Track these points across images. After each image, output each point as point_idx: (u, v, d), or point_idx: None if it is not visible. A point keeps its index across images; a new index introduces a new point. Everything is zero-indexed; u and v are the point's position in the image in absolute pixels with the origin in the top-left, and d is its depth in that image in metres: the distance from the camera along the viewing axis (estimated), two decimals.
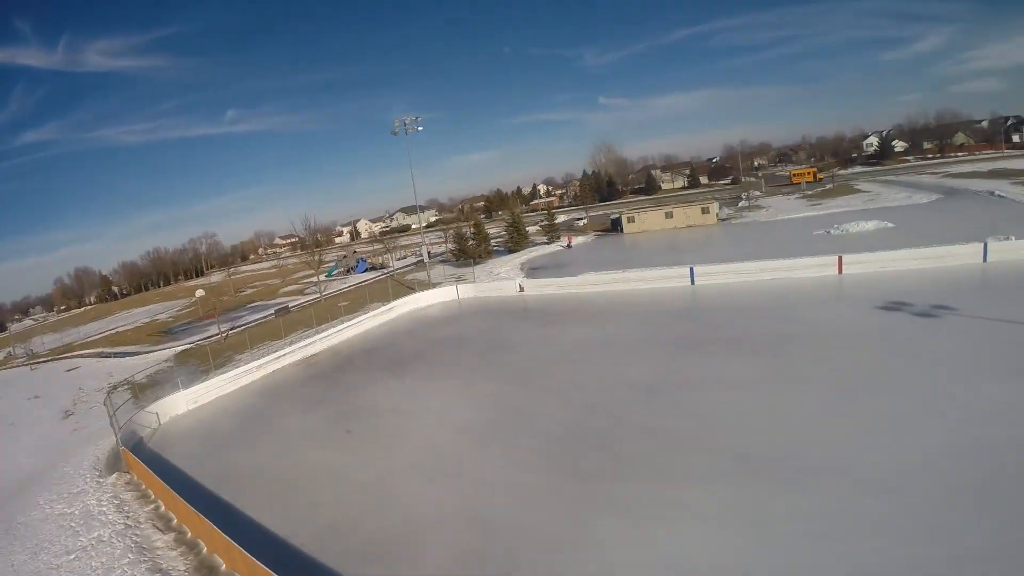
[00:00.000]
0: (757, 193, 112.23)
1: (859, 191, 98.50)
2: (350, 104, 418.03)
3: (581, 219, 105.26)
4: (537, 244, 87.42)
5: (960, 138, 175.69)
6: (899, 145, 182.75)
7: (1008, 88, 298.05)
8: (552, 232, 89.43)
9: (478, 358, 36.98)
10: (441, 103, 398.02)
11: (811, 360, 27.20)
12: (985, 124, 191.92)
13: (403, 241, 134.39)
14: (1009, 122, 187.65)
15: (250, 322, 68.88)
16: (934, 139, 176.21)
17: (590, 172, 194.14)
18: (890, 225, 60.30)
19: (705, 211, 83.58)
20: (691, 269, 46.29)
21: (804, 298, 38.26)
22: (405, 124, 63.77)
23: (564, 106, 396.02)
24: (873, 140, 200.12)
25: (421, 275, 74.36)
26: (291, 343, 47.23)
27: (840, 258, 43.01)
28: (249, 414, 34.13)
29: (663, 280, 47.91)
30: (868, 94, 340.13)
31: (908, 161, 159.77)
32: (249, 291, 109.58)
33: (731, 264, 46.67)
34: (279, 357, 43.67)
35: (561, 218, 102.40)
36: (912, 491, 16.38)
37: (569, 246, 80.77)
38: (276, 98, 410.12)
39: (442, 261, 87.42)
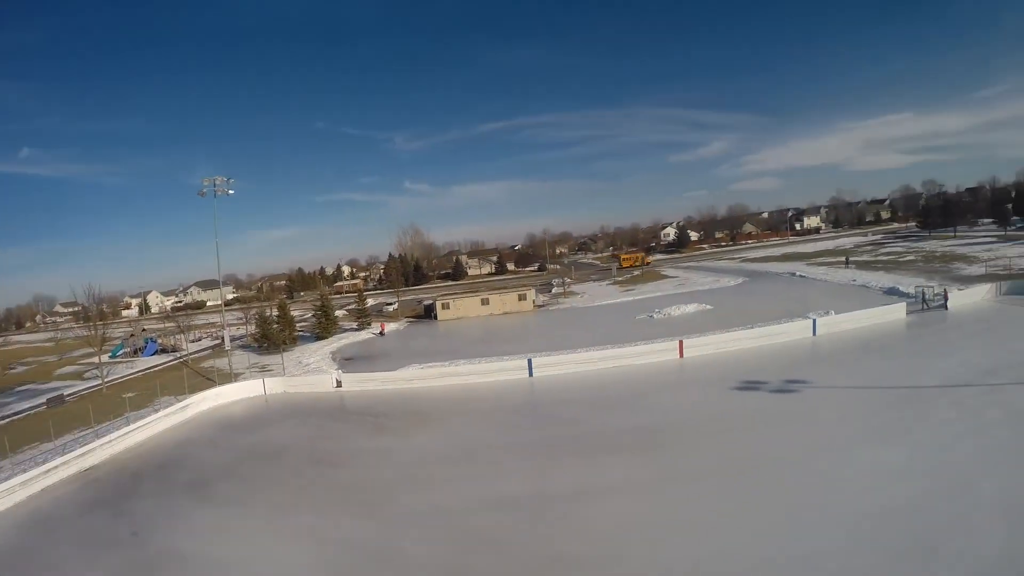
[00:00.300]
0: (567, 280, 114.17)
1: (667, 276, 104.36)
2: (149, 160, 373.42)
3: (391, 304, 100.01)
4: (347, 330, 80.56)
5: (748, 227, 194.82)
6: (693, 234, 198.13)
7: (781, 186, 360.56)
8: (363, 317, 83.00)
9: (302, 477, 28.19)
10: (243, 173, 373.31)
11: (688, 452, 24.68)
12: (766, 215, 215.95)
13: (198, 320, 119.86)
14: (791, 213, 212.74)
15: (14, 413, 55.13)
16: (725, 229, 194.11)
17: (396, 255, 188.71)
18: (709, 307, 62.72)
19: (522, 298, 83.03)
20: (529, 360, 42.60)
21: (653, 385, 36.65)
22: (215, 184, 56.19)
23: (370, 187, 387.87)
24: (670, 230, 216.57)
25: (221, 362, 63.83)
26: (64, 449, 35.77)
27: (681, 342, 42.60)
28: (6, 563, 23.27)
29: (499, 373, 43.40)
30: (660, 189, 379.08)
31: (704, 248, 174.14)
32: (20, 368, 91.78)
33: (570, 353, 44.39)
34: (48, 470, 31.95)
35: (369, 302, 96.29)
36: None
37: (382, 333, 75.37)
38: (75, 141, 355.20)
39: (242, 346, 77.00)
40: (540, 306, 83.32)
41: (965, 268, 73.59)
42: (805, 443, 23.74)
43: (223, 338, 65.64)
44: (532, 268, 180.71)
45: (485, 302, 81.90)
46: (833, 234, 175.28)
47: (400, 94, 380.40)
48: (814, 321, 45.25)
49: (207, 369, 62.14)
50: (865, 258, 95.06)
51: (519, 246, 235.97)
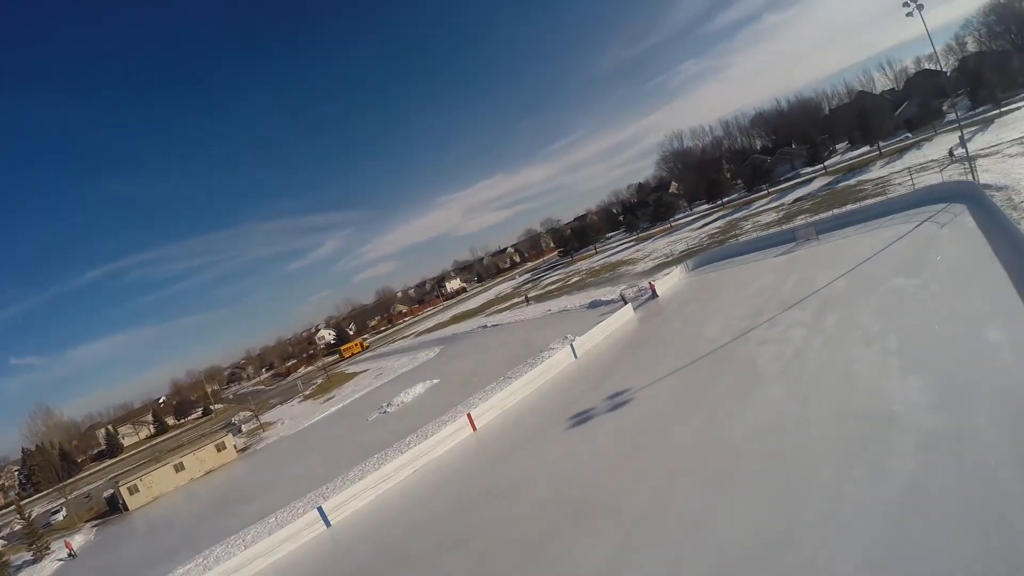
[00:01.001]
0: (248, 413, 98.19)
1: (356, 373, 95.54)
2: None
3: (56, 511, 72.95)
4: (21, 566, 53.44)
5: (399, 307, 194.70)
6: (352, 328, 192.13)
7: (401, 266, 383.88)
8: (36, 541, 53.27)
9: None
10: None
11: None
12: (412, 291, 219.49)
13: None
14: (428, 285, 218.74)
15: None
16: (376, 315, 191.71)
17: (33, 448, 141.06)
18: (436, 381, 56.83)
19: (221, 447, 66.56)
20: (319, 509, 29.26)
21: (463, 475, 28.94)
22: None
23: None
24: (325, 332, 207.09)
25: None
26: None
27: (469, 415, 35.60)
28: None
29: (289, 542, 28.31)
30: (288, 300, 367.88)
31: (367, 339, 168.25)
32: None
33: (357, 483, 31.70)
34: None
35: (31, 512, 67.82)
36: None
37: (72, 554, 51.84)
38: None
39: None
40: (243, 450, 68.60)
41: (632, 268, 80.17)
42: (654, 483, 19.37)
43: None
44: (196, 415, 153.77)
45: (180, 467, 63.35)
46: (480, 287, 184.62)
47: None
48: (572, 345, 44.20)
49: None
50: (537, 292, 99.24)
51: (163, 398, 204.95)
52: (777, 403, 22.88)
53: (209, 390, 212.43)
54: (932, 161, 64.04)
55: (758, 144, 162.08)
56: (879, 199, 53.00)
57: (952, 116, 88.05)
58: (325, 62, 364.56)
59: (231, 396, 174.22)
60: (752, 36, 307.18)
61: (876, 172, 75.50)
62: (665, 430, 24.58)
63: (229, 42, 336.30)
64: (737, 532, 15.83)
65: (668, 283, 55.20)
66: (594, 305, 62.63)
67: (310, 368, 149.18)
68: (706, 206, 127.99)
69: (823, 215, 56.50)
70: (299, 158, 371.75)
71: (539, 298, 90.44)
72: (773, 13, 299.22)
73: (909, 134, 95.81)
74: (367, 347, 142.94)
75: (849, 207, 54.64)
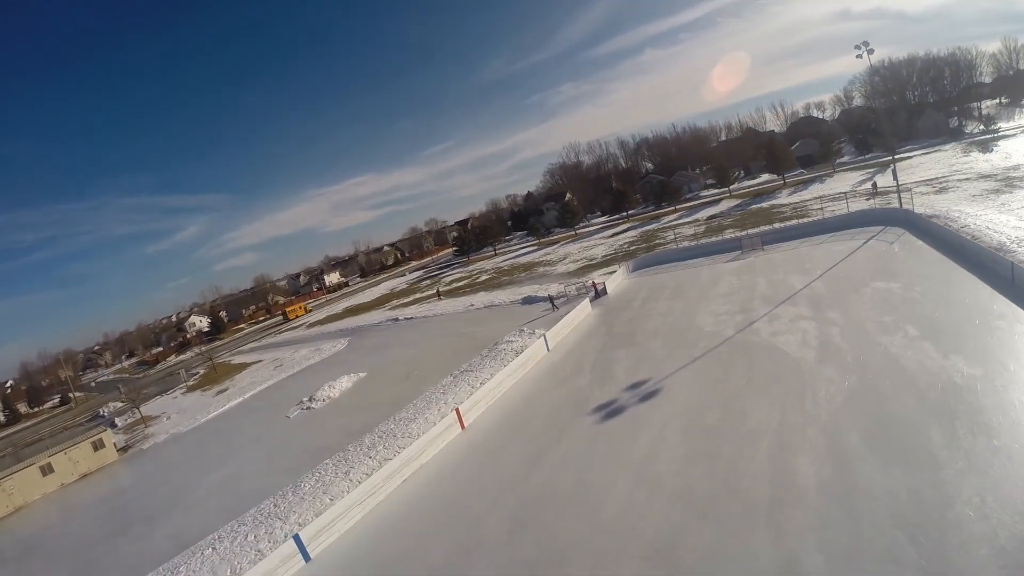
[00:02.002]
0: (120, 405, 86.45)
1: (245, 364, 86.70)
2: None
3: None
4: None
5: (277, 297, 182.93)
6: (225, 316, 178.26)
7: (263, 257, 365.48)
8: None
9: None
10: None
11: None
12: (285, 283, 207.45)
13: None
14: (301, 277, 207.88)
15: None
16: (251, 304, 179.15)
17: None
18: (363, 374, 51.67)
19: (99, 446, 56.60)
20: (296, 537, 21.99)
21: (468, 486, 24.21)
22: None
23: None
24: (196, 319, 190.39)
25: None
26: None
27: (458, 410, 31.34)
28: None
29: None
30: (145, 285, 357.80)
31: (243, 329, 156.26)
32: None
33: (333, 506, 24.54)
34: None
35: None
36: None
37: None
38: None
39: None
40: (124, 449, 58.24)
41: (551, 268, 78.37)
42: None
43: None
44: (53, 403, 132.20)
45: (48, 470, 52.53)
46: (364, 283, 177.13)
47: None
48: (545, 337, 42.02)
49: None
50: (444, 288, 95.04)
51: (10, 382, 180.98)
52: (836, 381, 23.39)
53: (65, 375, 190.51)
54: (840, 193, 69.19)
55: (649, 165, 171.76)
56: (813, 219, 56.60)
57: (845, 158, 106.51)
58: (196, 36, 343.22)
59: (92, 384, 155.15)
60: (633, 67, 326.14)
61: (785, 199, 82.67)
62: (736, 414, 23.32)
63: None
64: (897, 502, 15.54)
65: (614, 282, 55.11)
66: (529, 301, 60.11)
67: (183, 356, 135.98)
68: (603, 218, 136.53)
69: (760, 229, 58.98)
70: (162, 132, 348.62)
71: (449, 294, 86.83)
72: (655, 48, 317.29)
73: (803, 170, 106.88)
74: (310, 311, 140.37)
75: (790, 223, 58.26)
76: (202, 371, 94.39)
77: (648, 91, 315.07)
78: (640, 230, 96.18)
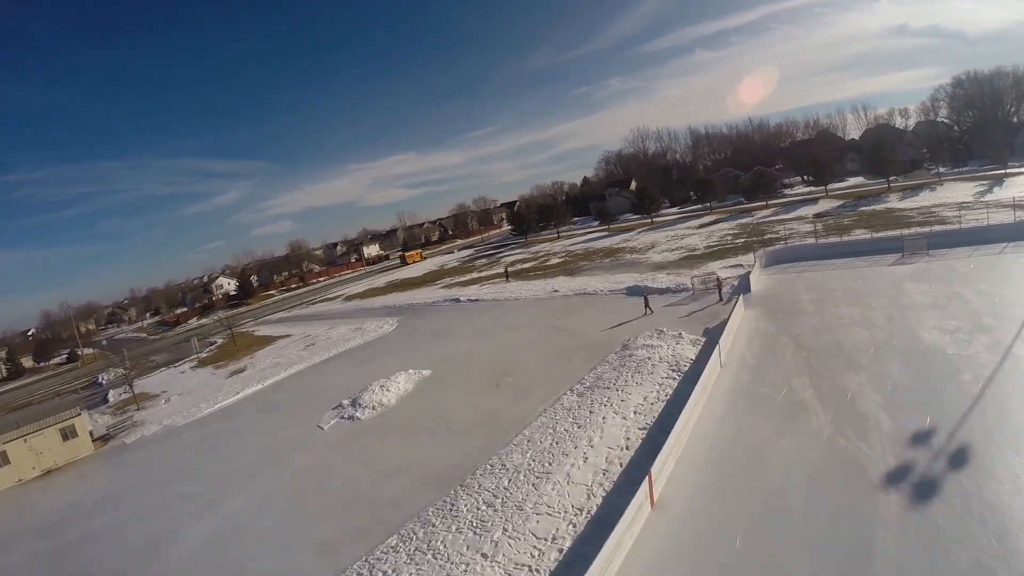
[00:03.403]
0: (120, 371, 72.19)
1: (275, 337, 71.54)
2: None
3: None
4: None
5: (312, 265, 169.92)
6: (256, 280, 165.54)
7: (298, 227, 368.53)
8: None
9: None
10: None
11: None
12: (321, 253, 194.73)
13: None
14: (338, 247, 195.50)
15: None
16: (285, 270, 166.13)
17: None
18: (425, 373, 36.91)
19: (69, 434, 41.34)
20: None
21: None
22: None
23: None
24: (224, 281, 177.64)
25: None
26: None
27: (650, 475, 16.60)
28: None
29: None
30: (181, 245, 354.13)
31: (273, 295, 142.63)
32: None
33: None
34: None
35: None
36: None
37: None
38: None
39: None
40: (105, 440, 43.54)
41: (640, 256, 64.75)
42: None
43: None
44: (60, 360, 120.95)
45: (3, 460, 39.47)
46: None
47: None
48: (719, 348, 27.52)
49: None
50: (519, 267, 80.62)
51: (32, 331, 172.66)
52: None
53: (85, 329, 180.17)
54: (963, 203, 60.29)
55: (707, 160, 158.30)
56: (967, 227, 46.36)
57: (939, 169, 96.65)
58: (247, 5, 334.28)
59: (104, 341, 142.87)
60: (682, 66, 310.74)
61: (900, 203, 71.91)
62: None
63: None
64: None
65: (754, 279, 41.88)
66: (636, 292, 45.54)
67: (204, 320, 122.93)
68: (674, 208, 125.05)
69: (914, 231, 47.70)
70: (208, 97, 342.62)
71: (516, 275, 72.12)
72: (706, 49, 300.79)
73: (898, 176, 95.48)
74: (424, 258, 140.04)
75: (941, 228, 48.51)
76: (220, 341, 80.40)
77: (696, 91, 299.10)
78: (735, 222, 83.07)
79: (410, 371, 37.04)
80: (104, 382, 69.92)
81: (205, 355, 71.75)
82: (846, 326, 29.04)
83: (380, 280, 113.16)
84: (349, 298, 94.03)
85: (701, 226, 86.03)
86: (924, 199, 72.01)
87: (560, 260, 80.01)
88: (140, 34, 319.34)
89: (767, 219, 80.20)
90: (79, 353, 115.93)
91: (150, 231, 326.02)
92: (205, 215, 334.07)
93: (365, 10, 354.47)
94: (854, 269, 41.54)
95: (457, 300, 62.34)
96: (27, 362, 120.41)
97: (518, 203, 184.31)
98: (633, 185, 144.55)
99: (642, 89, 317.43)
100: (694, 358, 28.99)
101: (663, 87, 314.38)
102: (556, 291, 54.62)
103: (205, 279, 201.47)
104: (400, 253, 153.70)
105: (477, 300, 59.79)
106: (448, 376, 35.49)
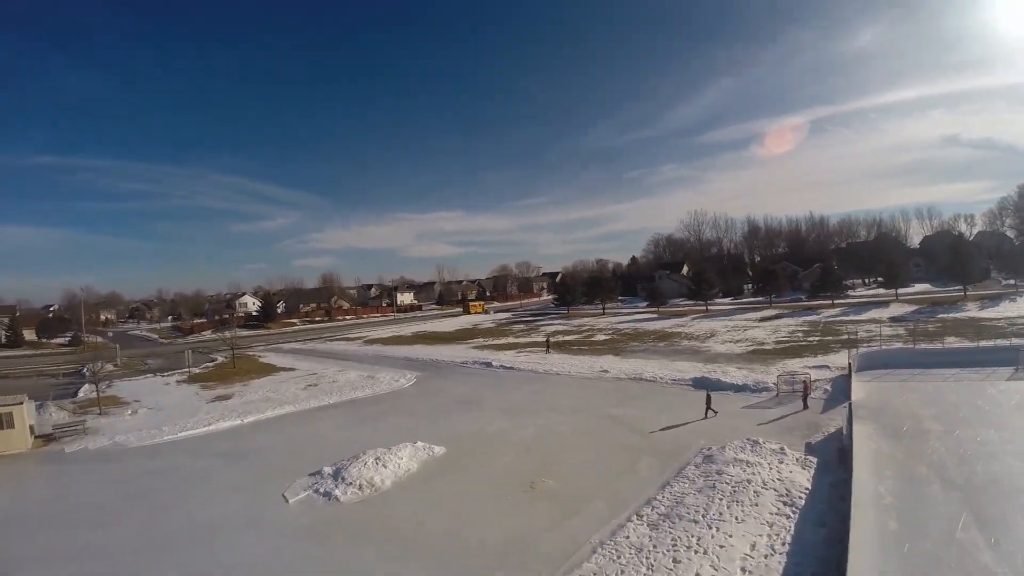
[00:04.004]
0: (110, 367, 64.99)
1: (279, 368, 63.36)
2: None
3: None
4: None
5: (341, 302, 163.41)
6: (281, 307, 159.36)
7: (336, 264, 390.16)
8: None
9: None
10: None
11: None
12: (355, 293, 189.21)
13: None
14: (373, 289, 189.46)
15: None
16: (313, 301, 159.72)
17: None
18: (439, 451, 28.18)
19: (5, 423, 34.29)
20: None
21: None
22: None
23: None
24: (249, 299, 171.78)
25: None
26: None
27: None
28: None
29: None
30: (223, 258, 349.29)
31: (295, 324, 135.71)
32: None
33: None
34: None
35: None
36: None
37: None
38: None
39: None
40: (48, 439, 35.93)
41: (700, 344, 56.15)
42: None
43: None
44: (63, 340, 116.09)
45: None
46: (439, 310, 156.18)
47: None
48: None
49: None
50: (561, 339, 72.36)
51: (55, 306, 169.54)
52: None
53: (105, 318, 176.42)
54: None
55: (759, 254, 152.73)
56: None
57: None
58: (326, 54, 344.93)
59: (110, 333, 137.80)
60: (735, 160, 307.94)
61: (980, 312, 67.09)
62: None
63: None
64: None
65: (854, 386, 31.88)
66: (703, 385, 37.28)
67: (214, 335, 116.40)
68: (727, 298, 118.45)
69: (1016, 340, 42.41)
70: (272, 124, 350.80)
71: (557, 347, 63.70)
72: (759, 145, 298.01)
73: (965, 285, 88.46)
74: (486, 311, 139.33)
75: None
76: (220, 359, 72.71)
77: (748, 185, 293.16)
78: (800, 319, 76.67)
79: (419, 444, 28.45)
80: (87, 374, 62.52)
81: (198, 371, 63.90)
82: (996, 455, 19.81)
83: (408, 329, 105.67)
84: (370, 342, 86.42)
85: (763, 319, 78.65)
86: (1007, 309, 67.68)
87: (607, 337, 71.66)
88: (226, 56, 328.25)
89: (836, 318, 73.46)
90: (82, 338, 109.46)
91: (198, 240, 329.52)
92: (252, 236, 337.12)
93: (434, 70, 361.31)
94: (966, 381, 33.81)
95: (489, 364, 53.93)
96: (29, 335, 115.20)
97: (561, 274, 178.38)
98: (685, 270, 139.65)
99: (695, 179, 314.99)
100: (809, 487, 20.42)
101: (716, 178, 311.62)
102: (605, 371, 46.01)
103: (232, 296, 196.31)
104: (465, 301, 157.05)
105: (512, 368, 51.23)
106: (468, 461, 26.81)
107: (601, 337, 72.64)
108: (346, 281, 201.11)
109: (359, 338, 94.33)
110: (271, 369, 62.54)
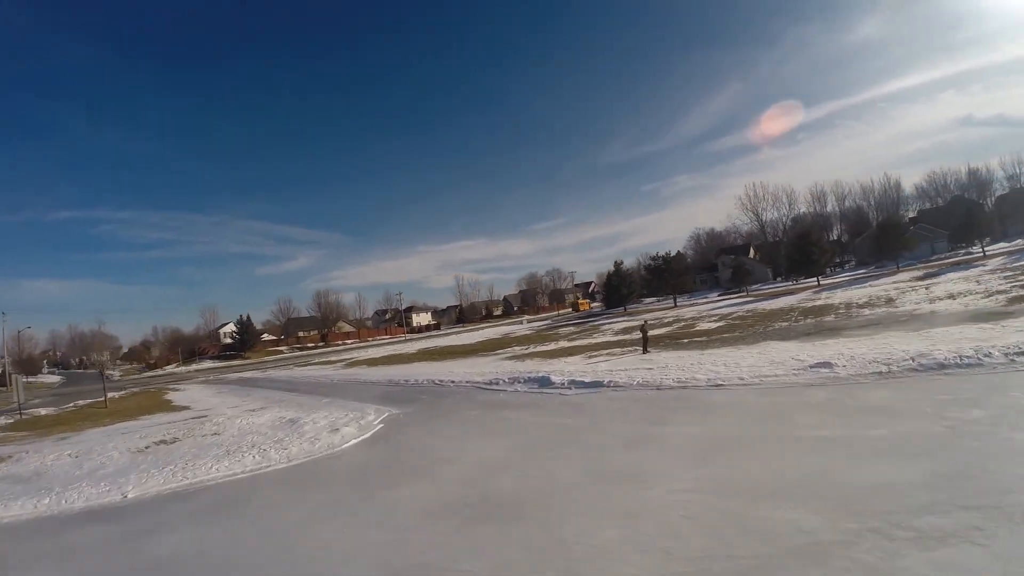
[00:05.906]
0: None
1: (174, 406, 38.39)
2: None
3: None
4: None
5: (343, 325, 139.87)
6: (270, 335, 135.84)
7: (361, 300, 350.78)
8: None
9: None
10: None
11: None
12: (371, 322, 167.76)
13: None
14: (388, 314, 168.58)
15: None
16: (312, 328, 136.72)
17: None
18: None
19: None
20: None
21: None
22: None
23: None
24: (233, 328, 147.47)
25: None
26: None
27: None
28: None
29: None
30: (249, 301, 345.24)
31: (281, 351, 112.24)
32: None
33: None
34: None
35: None
36: None
37: None
38: None
39: None
40: None
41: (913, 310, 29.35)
42: None
43: None
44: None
45: None
46: (461, 328, 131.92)
47: None
48: None
49: None
50: (659, 333, 43.81)
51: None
52: None
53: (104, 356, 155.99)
54: None
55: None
56: None
57: None
58: (333, 73, 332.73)
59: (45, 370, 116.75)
60: (749, 164, 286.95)
61: None
62: None
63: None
64: None
65: None
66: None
67: (182, 368, 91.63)
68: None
69: None
70: (290, 166, 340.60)
71: (669, 345, 36.93)
72: (773, 148, 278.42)
73: None
74: (587, 308, 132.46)
75: None
76: (134, 390, 47.72)
77: (761, 188, 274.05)
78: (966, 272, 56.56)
79: None
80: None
81: (46, 412, 38.40)
82: None
83: (414, 346, 79.96)
84: (353, 363, 60.34)
85: (927, 275, 57.25)
86: None
87: (716, 325, 46.21)
88: (239, 105, 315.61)
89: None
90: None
91: (221, 283, 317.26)
92: (275, 277, 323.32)
93: (450, 103, 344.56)
94: None
95: (548, 381, 26.97)
96: None
97: (612, 269, 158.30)
98: (752, 253, 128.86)
99: (709, 187, 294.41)
100: None
101: (729, 185, 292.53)
102: (822, 365, 19.38)
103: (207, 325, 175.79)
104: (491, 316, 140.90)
105: (610, 385, 24.35)
106: None
107: (708, 325, 47.16)
108: (366, 311, 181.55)
109: (343, 360, 68.48)
110: (160, 407, 36.56)
